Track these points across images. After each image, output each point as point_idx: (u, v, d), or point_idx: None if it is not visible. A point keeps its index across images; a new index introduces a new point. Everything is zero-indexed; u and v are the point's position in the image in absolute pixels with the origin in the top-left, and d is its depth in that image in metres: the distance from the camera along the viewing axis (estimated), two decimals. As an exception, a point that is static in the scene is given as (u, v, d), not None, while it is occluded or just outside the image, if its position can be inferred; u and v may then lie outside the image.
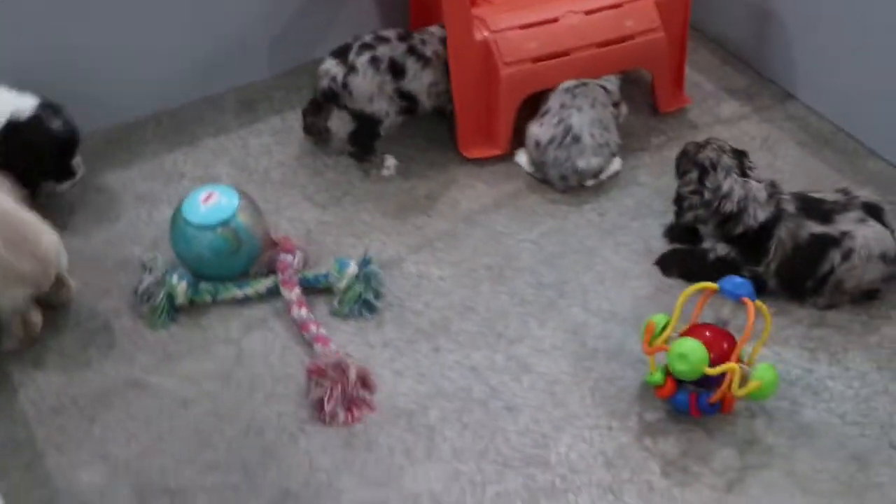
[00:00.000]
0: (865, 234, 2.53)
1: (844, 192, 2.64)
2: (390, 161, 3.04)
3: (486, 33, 2.98)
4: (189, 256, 2.67)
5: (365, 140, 3.01)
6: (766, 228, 2.58)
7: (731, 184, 2.60)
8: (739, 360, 2.34)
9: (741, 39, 3.42)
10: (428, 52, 2.99)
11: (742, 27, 3.40)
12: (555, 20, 3.04)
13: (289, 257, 2.68)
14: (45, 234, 2.50)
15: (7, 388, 2.48)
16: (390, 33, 3.00)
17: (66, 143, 2.82)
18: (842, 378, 2.48)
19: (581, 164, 2.89)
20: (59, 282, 2.58)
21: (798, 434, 2.36)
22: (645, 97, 3.26)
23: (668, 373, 2.34)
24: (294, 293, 2.61)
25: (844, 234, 2.54)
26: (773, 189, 2.62)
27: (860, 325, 2.60)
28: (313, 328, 2.55)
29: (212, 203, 2.65)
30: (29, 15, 2.89)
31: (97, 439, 2.37)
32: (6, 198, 2.53)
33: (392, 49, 2.96)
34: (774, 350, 2.53)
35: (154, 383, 2.49)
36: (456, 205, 2.94)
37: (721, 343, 2.33)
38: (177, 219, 2.66)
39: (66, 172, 2.87)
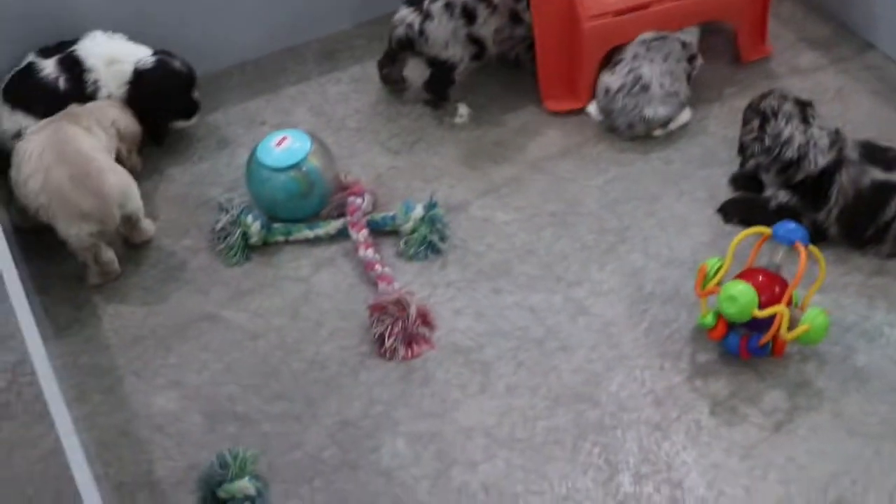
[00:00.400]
0: None
1: None
2: (463, 109, 3.10)
3: None
4: (263, 198, 2.79)
5: (440, 87, 3.08)
6: (828, 175, 2.57)
7: (791, 131, 2.60)
8: (793, 305, 2.36)
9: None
10: (495, 0, 3.04)
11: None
12: None
13: (358, 200, 2.77)
14: (110, 174, 2.63)
15: (93, 319, 2.64)
16: None
17: (189, 80, 3.02)
18: (899, 325, 2.48)
19: (648, 112, 2.92)
20: (131, 222, 2.72)
21: (850, 378, 2.38)
22: (722, 47, 3.26)
23: (719, 315, 2.37)
24: (361, 234, 2.71)
25: None
26: (836, 136, 2.61)
27: (922, 273, 2.59)
28: (378, 267, 2.65)
29: (285, 146, 2.76)
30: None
31: (172, 367, 2.51)
32: (81, 137, 2.69)
33: None
34: (832, 297, 2.54)
35: (226, 317, 2.62)
36: (524, 152, 3.00)
37: (773, 287, 2.35)
38: (252, 161, 2.78)
39: (192, 107, 3.07)
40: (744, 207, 2.73)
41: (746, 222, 2.67)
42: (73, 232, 2.60)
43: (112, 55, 2.95)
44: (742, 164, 2.74)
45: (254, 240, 2.74)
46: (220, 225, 2.76)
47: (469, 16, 3.00)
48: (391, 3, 3.19)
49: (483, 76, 3.18)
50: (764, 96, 2.70)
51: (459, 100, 3.12)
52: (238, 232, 2.73)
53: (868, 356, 2.42)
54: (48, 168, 2.59)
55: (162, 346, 2.56)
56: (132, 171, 2.81)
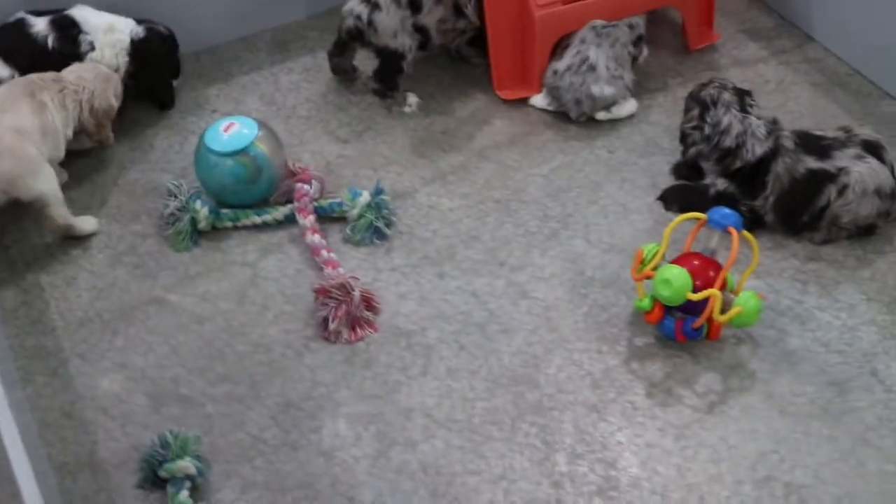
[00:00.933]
0: (861, 170, 2.58)
1: (845, 129, 2.69)
2: (412, 98, 3.14)
3: None
4: (211, 183, 2.82)
5: (389, 76, 3.12)
6: (764, 163, 2.63)
7: (730, 119, 2.66)
8: (727, 289, 2.42)
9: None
10: None
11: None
12: None
13: (305, 186, 2.81)
14: (5, 156, 2.62)
15: (40, 302, 2.65)
16: None
17: (175, 41, 3.16)
18: (830, 309, 2.54)
19: (595, 89, 2.98)
20: (36, 208, 2.70)
21: (781, 360, 2.44)
22: (667, 38, 3.32)
23: (655, 299, 2.42)
24: (308, 220, 2.75)
25: (840, 169, 2.59)
26: (773, 126, 2.67)
27: (854, 259, 2.65)
28: (324, 253, 2.68)
29: (232, 132, 2.78)
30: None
31: (118, 350, 2.54)
32: (18, 110, 2.70)
33: None
34: (767, 282, 2.60)
35: (173, 301, 2.65)
36: (471, 141, 3.05)
37: (707, 271, 2.41)
38: (200, 147, 2.81)
39: (178, 67, 3.22)
40: (683, 195, 2.79)
41: (686, 209, 2.71)
42: None
43: (110, 24, 3.04)
44: (683, 153, 2.80)
45: (202, 225, 2.77)
46: (168, 210, 2.79)
47: (414, 6, 3.04)
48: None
49: (432, 66, 3.23)
50: (704, 85, 2.76)
51: (408, 90, 3.16)
52: (187, 217, 2.76)
53: (800, 339, 2.48)
54: None
55: (108, 329, 2.59)
56: (102, 144, 2.93)
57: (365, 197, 2.77)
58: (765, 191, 2.65)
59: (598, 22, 3.05)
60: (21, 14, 2.99)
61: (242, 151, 2.76)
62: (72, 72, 2.89)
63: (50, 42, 2.96)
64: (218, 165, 2.77)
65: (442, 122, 3.11)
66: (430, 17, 3.07)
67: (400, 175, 2.94)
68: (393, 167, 2.97)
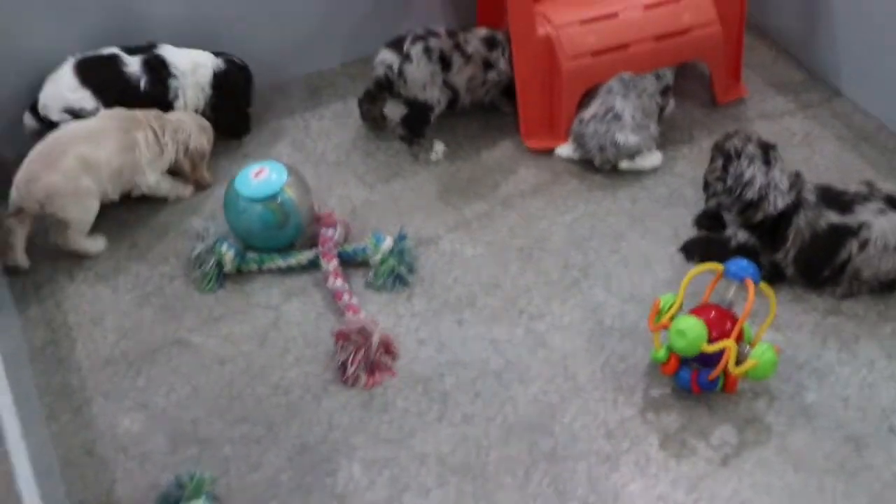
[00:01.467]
0: (882, 225, 2.57)
1: (868, 184, 2.68)
2: (439, 146, 3.19)
3: (548, 28, 3.10)
4: (239, 227, 2.86)
5: (417, 126, 3.17)
6: (786, 217, 2.64)
7: (753, 172, 2.67)
8: (744, 341, 2.42)
9: (794, 36, 3.46)
10: (469, 49, 3.14)
11: (795, 24, 3.44)
12: (614, 15, 3.14)
13: (330, 231, 2.85)
14: (54, 172, 2.76)
15: (67, 341, 2.71)
16: (439, 29, 3.15)
17: (250, 73, 3.28)
18: (850, 364, 2.53)
19: (620, 137, 3.00)
20: (56, 226, 2.83)
21: (798, 415, 2.43)
22: (695, 91, 3.34)
23: (671, 350, 2.42)
24: (332, 264, 2.78)
25: (862, 224, 2.59)
26: (796, 179, 2.68)
27: (875, 314, 2.64)
28: (346, 297, 2.71)
29: (262, 178, 2.83)
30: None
31: (140, 390, 2.58)
32: (107, 134, 2.87)
33: (441, 42, 3.10)
34: (787, 335, 2.59)
35: (196, 342, 2.69)
36: (496, 188, 3.08)
37: (724, 323, 2.41)
38: (229, 191, 2.86)
39: (251, 97, 3.33)
40: (705, 246, 2.80)
41: (707, 261, 2.72)
42: (9, 198, 2.79)
43: (195, 62, 3.15)
44: (706, 201, 2.81)
45: (228, 268, 2.82)
46: (195, 253, 2.83)
47: (445, 62, 3.10)
48: (374, 44, 3.27)
49: (459, 114, 3.26)
50: (729, 136, 2.78)
51: (435, 137, 3.20)
52: (213, 260, 2.81)
53: (817, 394, 2.47)
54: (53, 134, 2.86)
55: (132, 368, 2.63)
56: (199, 185, 3.07)
57: (388, 243, 2.80)
58: (786, 244, 2.65)
59: (626, 74, 3.08)
60: (115, 50, 3.09)
61: (271, 197, 2.81)
62: (173, 114, 3.04)
63: (143, 84, 3.07)
64: (247, 210, 2.82)
65: (468, 170, 3.14)
66: (460, 76, 3.13)
67: (424, 221, 2.98)
68: (418, 213, 3.00)
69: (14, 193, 2.79)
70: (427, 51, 3.09)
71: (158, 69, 3.09)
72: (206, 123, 3.11)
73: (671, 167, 3.09)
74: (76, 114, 2.98)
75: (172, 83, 3.11)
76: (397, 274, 2.79)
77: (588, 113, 3.07)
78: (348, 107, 3.38)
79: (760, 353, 2.36)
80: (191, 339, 2.70)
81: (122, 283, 2.85)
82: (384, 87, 3.16)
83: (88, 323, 2.75)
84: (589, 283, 2.77)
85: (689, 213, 2.94)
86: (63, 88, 3.00)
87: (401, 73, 3.09)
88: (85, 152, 2.81)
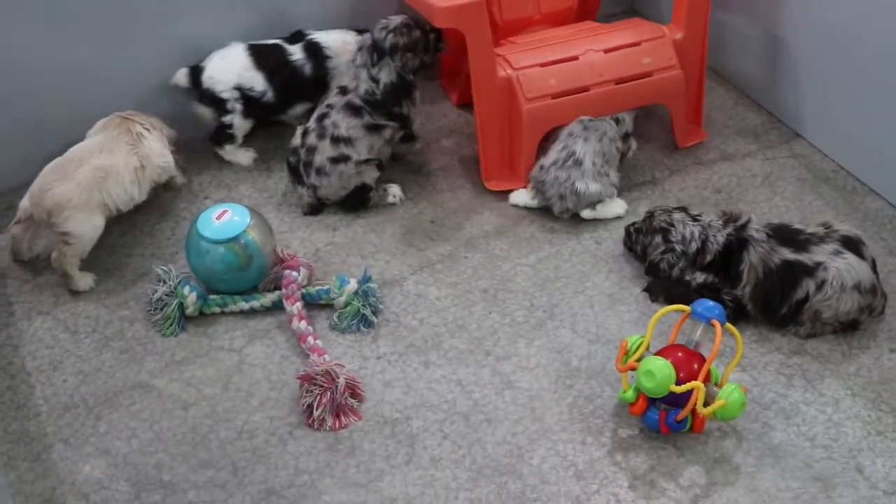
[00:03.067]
0: (839, 266, 2.61)
1: (825, 225, 2.72)
2: (394, 189, 3.17)
3: (509, 71, 3.11)
4: (201, 269, 2.83)
5: (358, 205, 3.15)
6: (735, 253, 2.69)
7: (690, 228, 2.76)
8: (711, 381, 2.42)
9: (754, 79, 3.50)
10: (340, 131, 3.07)
11: (755, 68, 3.48)
12: (575, 58, 3.15)
13: (293, 273, 2.82)
14: (67, 182, 2.83)
15: (25, 386, 2.66)
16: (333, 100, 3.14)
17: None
18: (815, 403, 2.54)
19: (580, 185, 3.00)
20: (58, 234, 2.85)
21: (766, 454, 2.43)
22: (656, 132, 3.37)
23: (639, 390, 2.42)
24: (295, 307, 2.76)
25: (818, 264, 2.61)
26: (728, 216, 2.75)
27: (839, 354, 2.66)
28: (310, 339, 2.69)
29: (225, 219, 2.81)
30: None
31: (101, 435, 2.53)
32: (121, 147, 2.95)
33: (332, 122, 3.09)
34: (752, 375, 2.60)
35: (159, 386, 2.65)
36: (460, 230, 3.07)
37: (691, 363, 2.41)
38: (191, 233, 2.83)
39: None
40: (668, 287, 2.81)
41: (672, 301, 2.73)
42: (22, 203, 2.91)
43: (343, 39, 3.33)
44: (659, 277, 2.84)
45: (190, 310, 2.78)
46: (157, 296, 2.80)
47: (347, 142, 3.06)
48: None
49: (422, 158, 3.27)
50: (650, 218, 2.86)
51: (392, 181, 3.19)
52: (175, 303, 2.77)
53: (785, 433, 2.47)
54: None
55: (92, 414, 2.58)
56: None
57: (352, 285, 2.78)
58: (741, 281, 2.67)
59: (586, 117, 3.09)
60: (277, 40, 3.32)
61: (234, 239, 2.78)
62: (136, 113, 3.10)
63: (307, 70, 3.29)
64: (209, 252, 2.79)
65: (431, 212, 3.14)
66: (372, 149, 3.09)
67: (388, 263, 2.96)
68: (382, 255, 2.99)
69: (26, 201, 2.87)
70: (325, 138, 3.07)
71: (317, 53, 3.30)
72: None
73: (635, 208, 3.11)
74: (245, 94, 3.23)
75: (329, 64, 3.30)
76: (362, 315, 2.77)
77: (549, 159, 3.06)
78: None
79: (728, 394, 2.36)
80: (152, 383, 2.66)
81: (81, 327, 2.81)
82: (316, 211, 3.17)
83: (48, 368, 2.70)
84: (555, 323, 2.77)
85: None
86: (237, 66, 3.21)
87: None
88: (102, 163, 2.88)
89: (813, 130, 3.32)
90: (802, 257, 2.63)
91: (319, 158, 3.05)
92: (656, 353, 2.45)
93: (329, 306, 2.81)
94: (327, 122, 3.06)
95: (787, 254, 2.64)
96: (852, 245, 2.65)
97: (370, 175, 3.10)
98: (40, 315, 2.83)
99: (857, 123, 3.13)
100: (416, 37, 3.07)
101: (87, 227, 2.84)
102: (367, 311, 2.77)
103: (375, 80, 3.04)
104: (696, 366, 2.41)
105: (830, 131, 3.25)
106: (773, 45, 3.36)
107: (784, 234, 2.68)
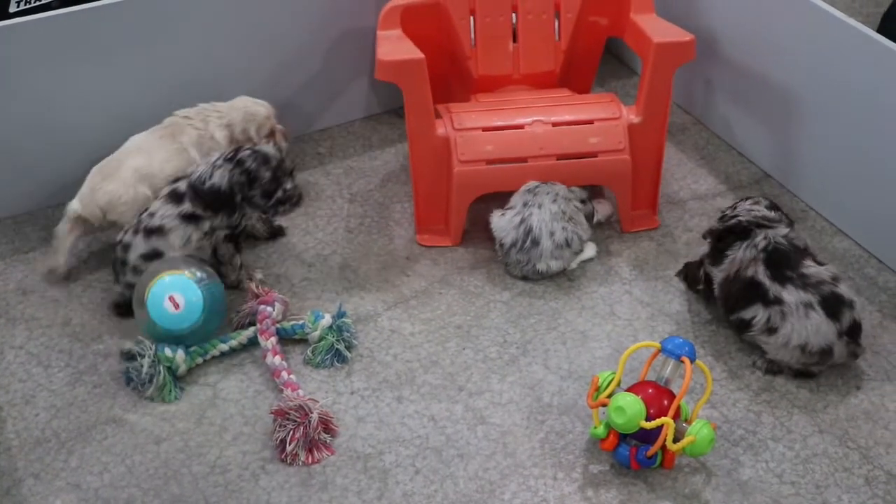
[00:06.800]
0: (794, 323, 2.62)
1: (833, 276, 2.68)
2: (258, 275, 3.05)
3: (449, 129, 3.08)
4: (169, 339, 2.76)
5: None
6: (731, 235, 2.78)
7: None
8: (681, 418, 2.45)
9: (724, 120, 3.56)
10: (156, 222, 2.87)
11: (725, 109, 3.54)
12: (520, 127, 3.10)
13: (268, 308, 2.84)
14: (113, 181, 2.99)
15: (-4, 421, 2.66)
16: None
17: None
18: (784, 440, 2.57)
19: (540, 266, 2.99)
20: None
21: (734, 490, 2.45)
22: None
23: (610, 426, 2.44)
24: (270, 342, 2.77)
25: (780, 303, 2.64)
26: (777, 212, 2.82)
27: (808, 391, 2.69)
28: (284, 374, 2.70)
29: (182, 307, 2.72)
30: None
31: (73, 469, 2.53)
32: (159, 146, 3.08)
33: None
34: (722, 412, 2.63)
35: (131, 420, 2.65)
36: (434, 266, 3.10)
37: (661, 400, 2.44)
38: (150, 323, 2.74)
39: None
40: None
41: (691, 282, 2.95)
42: (70, 205, 3.01)
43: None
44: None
45: (182, 369, 2.73)
46: (143, 371, 2.69)
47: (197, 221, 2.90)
48: (312, 123, 3.26)
49: (398, 191, 3.30)
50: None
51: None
52: (163, 369, 2.70)
53: (753, 469, 2.50)
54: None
55: (64, 448, 2.58)
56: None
57: (326, 319, 2.80)
58: (721, 265, 2.76)
59: (532, 182, 3.04)
60: None
61: (197, 320, 2.74)
62: (228, 102, 3.21)
63: None
64: (172, 332, 2.75)
65: (406, 248, 3.16)
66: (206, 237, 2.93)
67: (363, 299, 2.98)
68: (356, 291, 3.01)
69: (76, 204, 2.98)
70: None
71: None
72: (257, 109, 3.20)
73: (606, 245, 3.15)
74: None
75: None
76: (336, 350, 2.78)
77: (507, 236, 2.99)
78: (286, 185, 3.39)
79: (697, 430, 2.39)
80: (125, 418, 2.66)
81: (54, 361, 2.81)
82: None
83: (20, 402, 2.70)
84: (527, 359, 2.79)
85: (626, 290, 2.99)
86: None
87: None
88: (139, 164, 3.01)
89: (781, 171, 3.37)
90: (772, 287, 2.66)
91: (133, 255, 2.86)
92: (627, 390, 2.47)
93: (304, 341, 2.83)
94: (145, 213, 2.89)
95: (761, 274, 2.67)
96: (832, 305, 2.62)
97: (232, 249, 2.99)
98: (13, 349, 2.83)
99: (825, 164, 3.18)
100: (263, 176, 2.89)
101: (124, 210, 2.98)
102: (341, 346, 2.78)
103: (211, 172, 2.87)
104: (666, 402, 2.43)
105: (799, 172, 3.30)
106: (743, 88, 3.41)
107: (776, 256, 2.69)
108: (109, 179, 2.98)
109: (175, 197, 2.87)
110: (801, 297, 2.63)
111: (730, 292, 2.73)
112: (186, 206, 2.86)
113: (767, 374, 2.72)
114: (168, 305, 2.72)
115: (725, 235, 2.79)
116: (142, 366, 2.70)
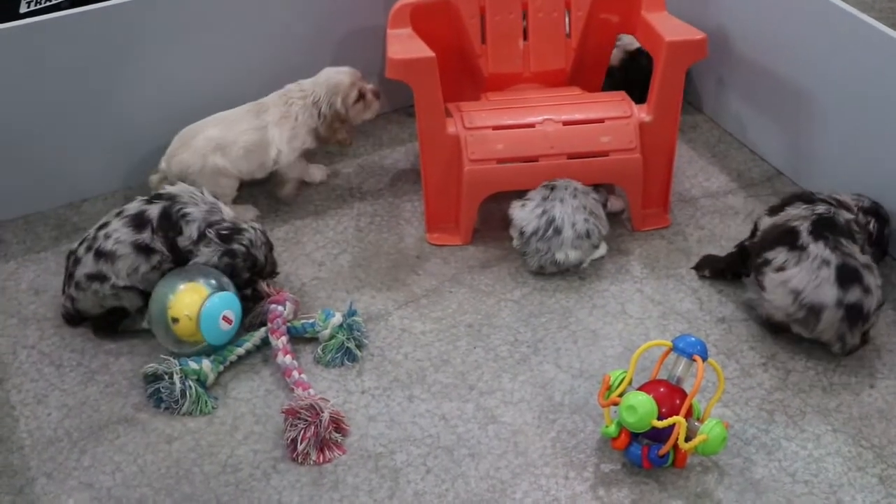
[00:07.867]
0: (804, 267, 2.69)
1: (866, 263, 2.72)
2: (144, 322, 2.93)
3: (459, 128, 3.08)
4: (193, 352, 2.77)
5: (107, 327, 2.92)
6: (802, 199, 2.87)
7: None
8: (693, 416, 2.44)
9: (736, 117, 3.54)
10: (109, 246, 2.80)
11: (736, 106, 3.53)
12: (531, 126, 3.09)
13: (279, 308, 2.84)
14: (188, 150, 3.14)
15: (9, 420, 2.65)
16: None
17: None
18: (796, 439, 2.56)
19: (559, 256, 2.98)
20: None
21: (747, 489, 2.44)
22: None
23: (622, 425, 2.44)
24: (281, 341, 2.77)
25: (803, 249, 2.72)
26: (868, 205, 2.94)
27: (820, 389, 2.68)
28: (295, 374, 2.70)
29: (234, 323, 2.77)
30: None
31: (85, 469, 2.53)
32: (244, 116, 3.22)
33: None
34: (734, 410, 2.62)
35: (143, 420, 2.65)
36: (445, 265, 3.09)
37: (673, 398, 2.43)
38: (204, 348, 2.76)
39: None
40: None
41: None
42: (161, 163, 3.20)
43: None
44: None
45: (210, 379, 2.72)
46: (178, 390, 2.66)
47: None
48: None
49: (408, 190, 3.30)
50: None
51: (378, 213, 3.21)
52: (192, 383, 2.68)
53: (766, 469, 2.49)
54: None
55: (76, 447, 2.58)
56: (341, 144, 3.36)
57: (337, 318, 2.80)
58: (775, 216, 2.84)
59: (548, 181, 3.04)
60: None
61: (238, 327, 2.80)
62: (314, 78, 3.28)
63: None
64: (218, 346, 2.79)
65: (416, 247, 3.16)
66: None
67: (374, 298, 2.98)
68: (367, 290, 3.01)
69: (163, 164, 3.18)
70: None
71: None
72: (339, 78, 3.25)
73: (618, 244, 3.14)
74: None
75: None
76: (346, 349, 2.78)
77: (528, 225, 3.00)
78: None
79: (710, 429, 2.38)
80: (137, 417, 2.66)
81: (66, 361, 2.81)
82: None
83: (32, 401, 2.70)
84: (539, 358, 2.79)
85: (637, 288, 2.98)
86: None
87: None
88: (215, 134, 3.14)
89: (793, 168, 3.36)
90: (805, 238, 2.72)
91: (80, 272, 2.82)
92: (639, 388, 2.46)
93: (314, 340, 2.83)
94: (102, 232, 2.81)
95: (804, 227, 2.75)
96: (847, 275, 2.66)
97: (130, 302, 2.87)
98: (25, 349, 2.84)
99: (839, 162, 3.16)
100: (242, 275, 2.88)
101: (215, 187, 3.08)
102: (352, 345, 2.78)
103: (197, 239, 2.83)
104: (678, 401, 2.42)
105: (811, 170, 3.29)
106: (754, 86, 3.40)
107: (831, 224, 2.76)
108: (184, 147, 3.14)
109: (138, 222, 2.81)
110: (824, 253, 2.68)
111: (768, 236, 2.79)
112: (145, 236, 2.79)
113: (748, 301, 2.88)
114: (223, 325, 2.75)
115: (792, 200, 2.86)
116: (173, 384, 2.66)
